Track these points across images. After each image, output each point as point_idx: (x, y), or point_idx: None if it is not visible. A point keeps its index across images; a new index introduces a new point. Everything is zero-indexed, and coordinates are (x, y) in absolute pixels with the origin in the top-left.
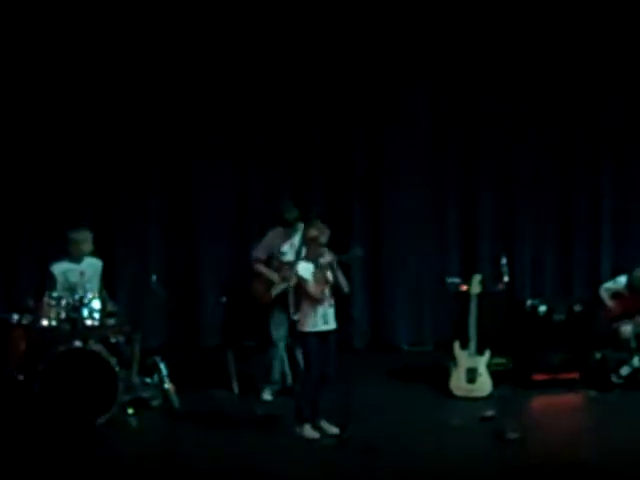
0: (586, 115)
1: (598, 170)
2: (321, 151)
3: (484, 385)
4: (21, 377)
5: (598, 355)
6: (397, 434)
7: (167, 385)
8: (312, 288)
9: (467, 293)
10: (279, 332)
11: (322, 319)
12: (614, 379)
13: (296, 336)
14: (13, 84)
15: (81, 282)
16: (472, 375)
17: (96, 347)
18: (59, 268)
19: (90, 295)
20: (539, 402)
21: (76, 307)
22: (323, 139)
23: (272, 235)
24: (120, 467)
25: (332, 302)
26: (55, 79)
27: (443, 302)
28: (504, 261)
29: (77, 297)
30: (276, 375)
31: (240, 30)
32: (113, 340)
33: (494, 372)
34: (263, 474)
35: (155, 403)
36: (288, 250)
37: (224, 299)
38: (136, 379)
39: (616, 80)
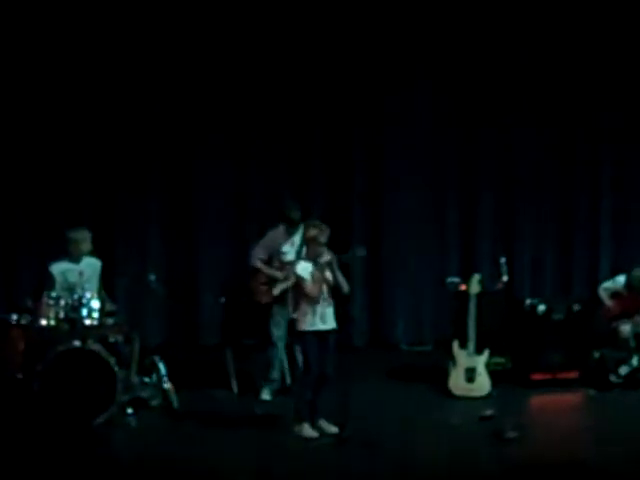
0: (586, 115)
1: (598, 170)
2: (321, 151)
3: (483, 384)
4: (20, 377)
5: (597, 354)
6: (396, 433)
7: (166, 384)
8: (309, 287)
9: (466, 293)
10: (279, 331)
11: (320, 318)
12: (613, 378)
13: (294, 335)
14: (13, 84)
15: (80, 282)
16: (471, 374)
17: (95, 347)
18: (58, 268)
19: (89, 295)
20: (538, 401)
21: (75, 307)
22: (323, 139)
23: (272, 235)
24: (119, 467)
25: (331, 302)
26: (55, 79)
27: (442, 302)
28: (503, 260)
29: (76, 297)
30: (275, 374)
31: (240, 30)
32: (112, 340)
33: (493, 371)
34: (262, 473)
35: (154, 403)
36: (289, 250)
37: (223, 299)
38: (135, 379)
39: (616, 80)
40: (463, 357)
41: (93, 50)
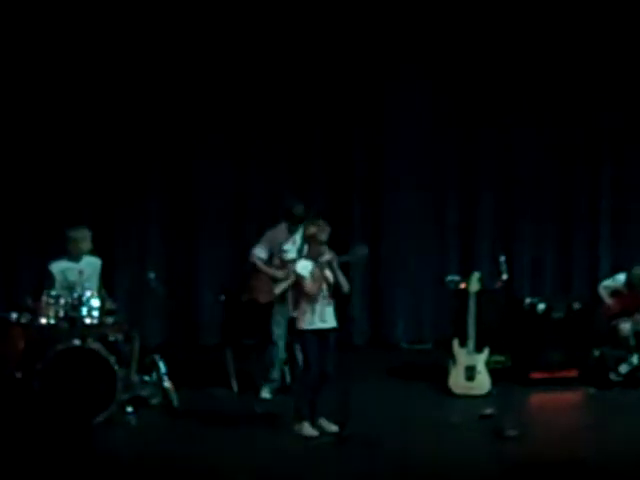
0: (586, 115)
1: (597, 170)
2: (321, 151)
3: (483, 383)
4: (20, 376)
5: (597, 353)
6: (396, 432)
7: (166, 383)
8: (309, 286)
9: (466, 291)
10: (279, 330)
11: (319, 317)
12: (613, 377)
13: (294, 334)
14: (13, 84)
15: (80, 281)
16: (471, 373)
17: (95, 345)
18: (58, 267)
19: (89, 294)
20: (538, 400)
21: (75, 306)
22: (323, 139)
23: (273, 233)
24: (119, 466)
25: (331, 301)
26: (55, 80)
27: (442, 301)
28: (503, 259)
29: (76, 296)
30: (275, 373)
31: (240, 30)
32: (112, 338)
33: (493, 370)
34: (262, 472)
35: (154, 401)
36: (290, 248)
37: (222, 297)
38: (135, 377)
39: (616, 80)
40: (463, 355)
41: (93, 50)
